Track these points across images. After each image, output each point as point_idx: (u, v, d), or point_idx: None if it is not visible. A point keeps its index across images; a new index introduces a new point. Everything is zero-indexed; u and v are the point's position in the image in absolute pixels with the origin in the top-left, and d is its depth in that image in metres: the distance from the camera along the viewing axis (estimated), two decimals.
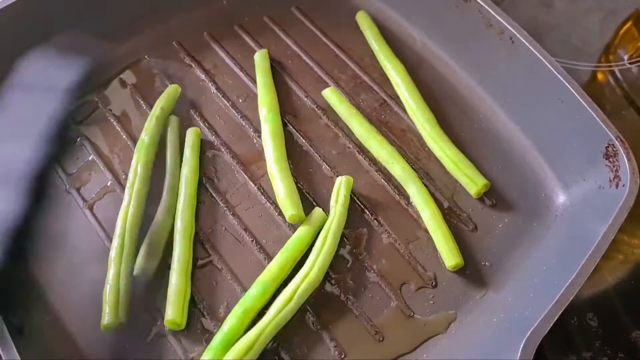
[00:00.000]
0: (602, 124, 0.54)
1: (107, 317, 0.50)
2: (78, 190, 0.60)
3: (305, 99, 0.67)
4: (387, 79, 0.68)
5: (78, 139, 0.63)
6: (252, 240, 0.57)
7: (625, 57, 0.75)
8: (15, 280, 0.54)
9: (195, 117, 0.65)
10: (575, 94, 0.56)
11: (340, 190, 0.58)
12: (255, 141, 0.63)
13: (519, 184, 0.61)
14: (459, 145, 0.62)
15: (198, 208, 0.59)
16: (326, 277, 0.55)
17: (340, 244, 0.57)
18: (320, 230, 0.56)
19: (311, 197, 0.60)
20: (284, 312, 0.51)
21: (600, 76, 0.74)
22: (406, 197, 0.60)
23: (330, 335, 0.53)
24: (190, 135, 0.62)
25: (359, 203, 0.60)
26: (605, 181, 0.54)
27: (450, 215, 0.59)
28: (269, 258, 0.56)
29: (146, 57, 0.69)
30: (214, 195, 0.60)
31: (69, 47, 0.56)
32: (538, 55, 0.58)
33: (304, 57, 0.70)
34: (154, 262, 0.54)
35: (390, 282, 0.55)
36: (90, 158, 0.62)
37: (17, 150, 0.48)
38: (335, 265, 0.56)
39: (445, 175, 0.62)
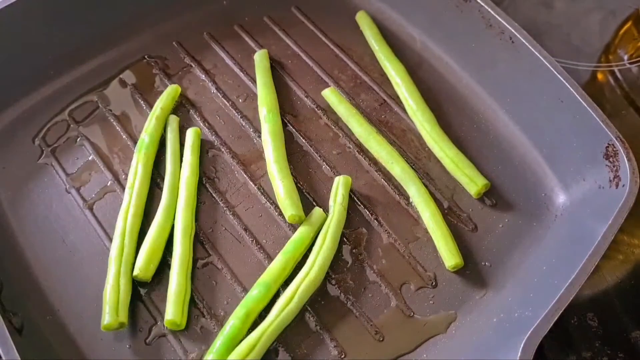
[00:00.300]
0: (602, 124, 0.54)
1: (107, 317, 0.50)
2: (78, 190, 0.60)
3: (305, 99, 0.67)
4: (387, 79, 0.68)
5: (78, 139, 0.63)
6: (252, 240, 0.57)
7: (625, 57, 0.75)
8: (15, 280, 0.54)
9: (195, 117, 0.65)
10: (575, 94, 0.56)
11: (338, 189, 0.58)
12: (255, 141, 0.63)
13: (519, 184, 0.61)
14: (459, 145, 0.62)
15: (198, 208, 0.59)
16: (326, 277, 0.55)
17: (340, 244, 0.57)
18: (320, 230, 0.56)
19: (311, 197, 0.60)
20: (285, 312, 0.51)
21: (600, 76, 0.74)
22: (406, 197, 0.60)
23: (330, 335, 0.53)
24: (190, 135, 0.62)
25: (359, 203, 0.60)
26: (605, 181, 0.54)
27: (450, 215, 0.59)
28: (269, 258, 0.56)
29: (146, 57, 0.69)
30: (214, 195, 0.60)
31: None
32: (538, 55, 0.58)
33: (304, 57, 0.70)
34: (154, 262, 0.54)
35: (390, 282, 0.55)
36: (90, 158, 0.62)
37: None
38: (335, 265, 0.56)
39: (445, 175, 0.62)
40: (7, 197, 0.59)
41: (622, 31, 0.78)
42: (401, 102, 0.66)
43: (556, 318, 0.44)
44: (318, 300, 0.54)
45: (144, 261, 0.53)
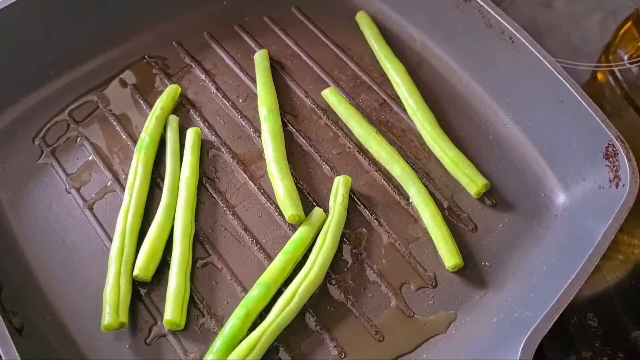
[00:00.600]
0: (602, 124, 0.54)
1: (107, 317, 0.50)
2: (78, 190, 0.60)
3: (305, 99, 0.67)
4: (387, 79, 0.68)
5: (78, 139, 0.63)
6: (252, 240, 0.57)
7: (625, 57, 0.75)
8: (15, 280, 0.54)
9: (195, 117, 0.65)
10: (575, 94, 0.56)
11: (338, 189, 0.58)
12: (255, 141, 0.63)
13: (519, 184, 0.61)
14: (459, 145, 0.62)
15: (198, 208, 0.59)
16: (326, 277, 0.55)
17: (340, 244, 0.57)
18: (320, 230, 0.56)
19: (311, 197, 0.60)
20: (285, 312, 0.51)
21: (600, 76, 0.74)
22: (406, 197, 0.60)
23: (330, 335, 0.53)
24: (191, 135, 0.62)
25: (359, 203, 0.60)
26: (605, 181, 0.54)
27: (450, 215, 0.59)
28: (269, 258, 0.56)
29: (146, 57, 0.69)
30: (214, 195, 0.60)
31: None
32: (538, 55, 0.58)
33: (304, 57, 0.70)
34: (154, 262, 0.54)
35: (390, 282, 0.55)
36: (90, 158, 0.62)
37: None
38: (335, 265, 0.56)
39: (445, 175, 0.62)
40: (7, 197, 0.59)
41: (622, 31, 0.78)
42: (401, 102, 0.66)
43: (556, 318, 0.44)
44: (318, 300, 0.54)
45: (144, 261, 0.53)
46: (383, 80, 0.68)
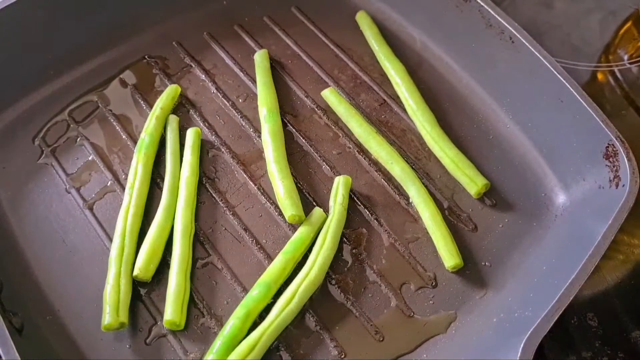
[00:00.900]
0: (602, 124, 0.54)
1: (107, 317, 0.50)
2: (78, 190, 0.60)
3: (305, 99, 0.67)
4: (387, 79, 0.68)
5: (78, 139, 0.63)
6: (252, 240, 0.57)
7: (625, 57, 0.75)
8: (15, 280, 0.54)
9: (195, 117, 0.65)
10: (575, 94, 0.56)
11: (338, 189, 0.58)
12: (255, 141, 0.63)
13: (519, 184, 0.61)
14: (459, 145, 0.62)
15: (198, 208, 0.59)
16: (326, 277, 0.55)
17: (341, 244, 0.57)
18: (320, 230, 0.56)
19: (311, 197, 0.60)
20: (285, 312, 0.51)
21: (600, 76, 0.74)
22: (406, 197, 0.60)
23: (330, 335, 0.53)
24: (191, 135, 0.62)
25: (359, 203, 0.60)
26: (605, 181, 0.54)
27: (450, 215, 0.59)
28: (269, 258, 0.56)
29: (146, 57, 0.69)
30: (214, 195, 0.60)
31: None
32: (538, 55, 0.58)
33: (304, 57, 0.70)
34: (154, 262, 0.54)
35: (390, 282, 0.55)
36: (90, 158, 0.62)
37: None
38: (336, 265, 0.56)
39: (445, 175, 0.62)
40: (7, 197, 0.59)
41: (622, 31, 0.78)
42: (401, 102, 0.66)
43: (556, 318, 0.44)
44: (318, 300, 0.54)
45: (144, 261, 0.53)
46: (383, 80, 0.68)
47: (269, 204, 0.59)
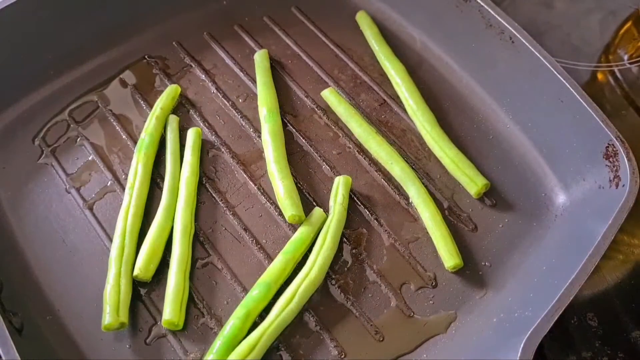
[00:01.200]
0: (602, 124, 0.54)
1: (107, 317, 0.50)
2: (78, 190, 0.60)
3: (305, 99, 0.67)
4: (387, 79, 0.68)
5: (78, 139, 0.63)
6: (252, 240, 0.57)
7: (625, 57, 0.75)
8: (15, 280, 0.54)
9: (195, 117, 0.65)
10: (575, 94, 0.56)
11: (338, 189, 0.58)
12: (255, 141, 0.63)
13: (519, 184, 0.61)
14: (459, 145, 0.62)
15: (198, 208, 0.59)
16: (326, 278, 0.55)
17: (341, 244, 0.57)
18: (321, 230, 0.56)
19: (311, 197, 0.60)
20: (285, 312, 0.51)
21: (600, 76, 0.74)
22: (406, 197, 0.60)
23: (330, 335, 0.53)
24: (191, 135, 0.62)
25: (359, 203, 0.60)
26: (605, 181, 0.54)
27: (450, 215, 0.59)
28: (269, 258, 0.56)
29: (146, 57, 0.69)
30: (214, 195, 0.60)
31: None
32: (538, 55, 0.58)
33: (304, 57, 0.70)
34: (154, 262, 0.54)
35: (390, 282, 0.55)
36: (90, 158, 0.62)
37: None
38: (336, 265, 0.56)
39: (445, 175, 0.62)
40: (7, 197, 0.59)
41: (622, 31, 0.78)
42: (401, 102, 0.66)
43: (556, 318, 0.44)
44: (318, 300, 0.54)
45: (144, 261, 0.53)
46: (383, 80, 0.68)
47: (269, 204, 0.59)
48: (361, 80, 0.68)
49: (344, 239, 0.57)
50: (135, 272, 0.53)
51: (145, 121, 0.62)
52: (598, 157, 0.55)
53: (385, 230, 0.58)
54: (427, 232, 0.58)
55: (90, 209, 0.59)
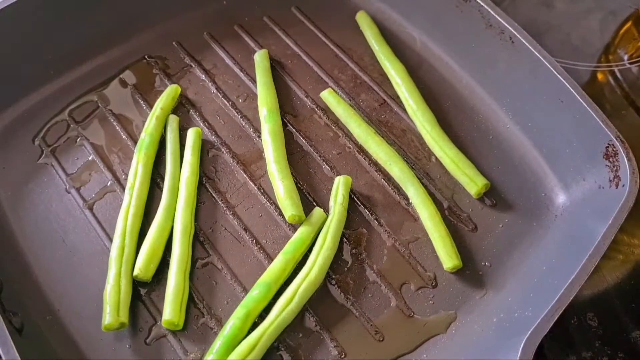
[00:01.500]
0: (602, 124, 0.54)
1: (107, 317, 0.50)
2: (78, 190, 0.60)
3: (305, 99, 0.67)
4: (387, 79, 0.68)
5: (78, 139, 0.63)
6: (252, 240, 0.57)
7: (625, 57, 0.75)
8: (15, 280, 0.53)
9: (195, 117, 0.65)
10: (575, 94, 0.56)
11: (339, 189, 0.58)
12: (255, 141, 0.63)
13: (519, 184, 0.61)
14: (459, 145, 0.62)
15: (198, 208, 0.59)
16: (326, 278, 0.55)
17: (341, 244, 0.57)
18: (321, 230, 0.56)
19: (311, 197, 0.60)
20: (285, 312, 0.51)
21: (600, 76, 0.74)
22: (406, 197, 0.60)
23: (330, 335, 0.53)
24: (191, 135, 0.62)
25: (359, 203, 0.60)
26: (605, 181, 0.54)
27: (450, 215, 0.59)
28: (269, 258, 0.56)
29: (146, 57, 0.69)
30: (214, 195, 0.60)
31: None
32: (538, 55, 0.58)
33: (304, 57, 0.70)
34: (154, 262, 0.54)
35: (390, 282, 0.55)
36: (90, 158, 0.62)
37: None
38: (336, 265, 0.56)
39: (445, 175, 0.62)
40: (7, 197, 0.59)
41: (622, 31, 0.78)
42: (401, 102, 0.66)
43: (556, 318, 0.44)
44: (318, 300, 0.54)
45: (144, 261, 0.53)
46: (383, 80, 0.68)
47: (269, 204, 0.59)
48: (361, 80, 0.68)
49: (344, 239, 0.57)
50: (136, 272, 0.53)
51: (145, 121, 0.62)
52: (598, 157, 0.55)
53: (385, 230, 0.58)
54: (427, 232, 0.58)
55: (90, 209, 0.59)
